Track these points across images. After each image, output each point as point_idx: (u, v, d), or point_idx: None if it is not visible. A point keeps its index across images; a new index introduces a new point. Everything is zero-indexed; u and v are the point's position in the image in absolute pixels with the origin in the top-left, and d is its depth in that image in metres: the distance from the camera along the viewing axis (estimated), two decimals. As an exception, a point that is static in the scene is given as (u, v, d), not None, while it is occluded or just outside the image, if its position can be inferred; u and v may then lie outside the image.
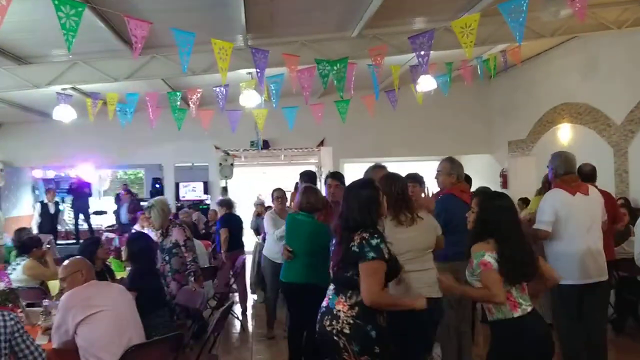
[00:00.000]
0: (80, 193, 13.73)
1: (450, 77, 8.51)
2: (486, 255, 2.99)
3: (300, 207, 4.90)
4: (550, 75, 10.64)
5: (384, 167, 4.43)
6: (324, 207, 4.90)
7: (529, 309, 3.03)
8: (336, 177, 5.11)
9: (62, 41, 4.19)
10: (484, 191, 3.51)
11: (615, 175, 8.58)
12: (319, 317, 3.11)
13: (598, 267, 4.36)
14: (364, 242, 2.94)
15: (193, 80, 9.38)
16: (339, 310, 2.99)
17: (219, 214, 8.68)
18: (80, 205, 13.69)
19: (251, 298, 8.66)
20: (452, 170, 4.73)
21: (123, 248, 4.68)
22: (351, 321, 2.95)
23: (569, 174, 4.53)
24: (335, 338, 2.96)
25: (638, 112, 8.18)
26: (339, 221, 3.15)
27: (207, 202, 14.61)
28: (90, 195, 13.90)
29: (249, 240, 10.42)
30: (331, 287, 3.14)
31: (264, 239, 8.51)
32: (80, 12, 4.17)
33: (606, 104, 8.98)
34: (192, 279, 5.24)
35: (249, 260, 8.58)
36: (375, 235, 2.97)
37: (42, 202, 12.53)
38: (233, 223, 8.04)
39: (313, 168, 13.36)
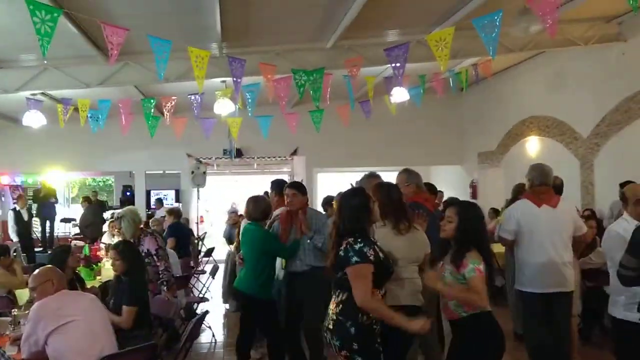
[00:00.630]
0: (46, 201, 13.43)
1: (423, 89, 8.65)
2: (481, 265, 3.18)
3: (247, 217, 5.16)
4: (519, 89, 10.89)
5: (377, 176, 4.54)
6: (266, 216, 5.10)
7: (489, 309, 3.29)
8: (294, 186, 5.19)
9: (32, 46, 4.19)
10: (461, 202, 3.60)
11: (581, 187, 8.81)
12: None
13: (559, 278, 4.47)
14: (348, 247, 3.10)
15: (166, 87, 9.32)
16: (330, 309, 3.20)
17: (167, 222, 8.67)
18: (47, 212, 13.39)
19: (223, 307, 8.59)
20: (408, 181, 4.81)
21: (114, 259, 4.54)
22: (334, 317, 3.14)
23: (542, 186, 4.65)
24: (325, 334, 3.20)
25: (603, 126, 8.43)
26: (333, 228, 3.30)
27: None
28: (56, 202, 13.58)
29: (221, 249, 10.37)
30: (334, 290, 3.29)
31: (236, 248, 8.51)
32: (55, 18, 4.13)
33: (573, 118, 9.23)
34: (165, 288, 5.19)
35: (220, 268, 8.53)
36: (359, 240, 3.11)
37: (14, 210, 12.15)
38: (181, 232, 8.36)
39: (286, 177, 13.38)
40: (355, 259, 3.05)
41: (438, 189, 13.21)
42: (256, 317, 5.03)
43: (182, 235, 8.23)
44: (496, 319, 3.28)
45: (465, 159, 13.43)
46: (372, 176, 4.54)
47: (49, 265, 3.83)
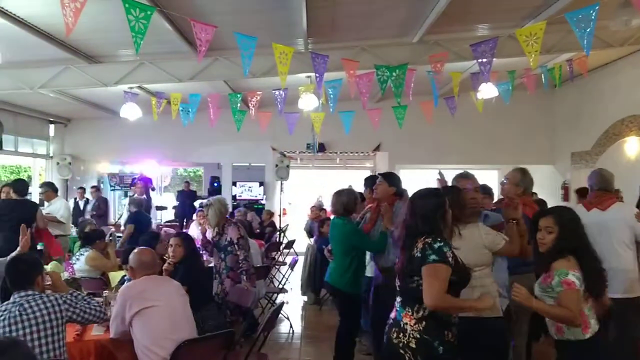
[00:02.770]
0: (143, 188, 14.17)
1: (512, 85, 8.32)
2: (570, 274, 2.92)
3: (332, 211, 5.21)
4: (619, 86, 10.22)
5: (470, 177, 4.16)
6: (352, 210, 5.04)
7: (597, 327, 3.00)
8: (382, 175, 5.05)
9: (130, 42, 4.38)
10: (557, 208, 3.33)
11: (686, 193, 8.15)
12: (386, 328, 3.08)
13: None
14: (426, 246, 2.91)
15: (253, 82, 9.57)
16: (406, 324, 2.94)
17: (129, 211, 9.00)
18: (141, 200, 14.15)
19: (301, 299, 8.73)
20: (521, 182, 4.57)
21: (177, 245, 4.84)
22: (418, 335, 2.89)
23: (600, 191, 4.54)
24: (401, 351, 2.91)
25: None
26: (403, 229, 3.13)
27: (263, 202, 14.83)
28: (153, 190, 14.30)
29: (302, 242, 10.53)
30: (398, 299, 3.09)
31: (315, 241, 8.61)
32: (149, 16, 4.33)
33: (679, 118, 8.55)
34: (244, 277, 5.34)
35: (300, 260, 8.68)
36: (439, 239, 2.93)
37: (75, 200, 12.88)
38: (141, 220, 8.71)
39: (368, 172, 13.34)
40: (433, 257, 2.85)
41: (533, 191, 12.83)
42: (342, 309, 5.12)
43: (143, 224, 8.69)
44: (602, 346, 3.01)
45: (557, 158, 12.80)
46: (464, 177, 4.30)
47: (146, 248, 4.02)
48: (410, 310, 2.95)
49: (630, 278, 4.32)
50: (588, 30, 4.88)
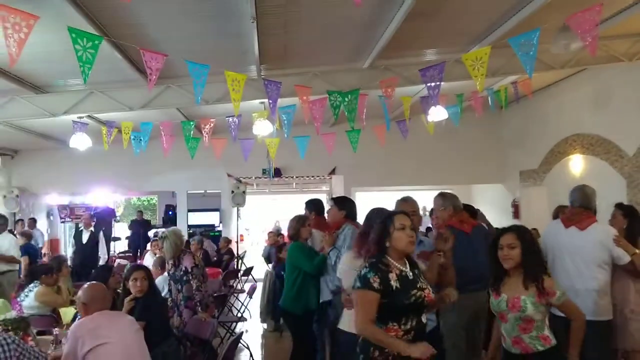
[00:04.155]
0: (105, 219, 13.76)
1: (461, 107, 8.56)
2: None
3: None
4: (562, 106, 10.66)
5: (410, 201, 4.29)
6: (293, 235, 5.20)
7: (554, 341, 3.23)
8: (332, 199, 5.28)
9: (78, 71, 4.30)
10: (515, 226, 3.42)
11: (628, 207, 8.50)
12: None
13: (581, 305, 3.72)
14: (360, 272, 3.01)
15: (207, 109, 9.53)
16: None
17: (19, 242, 8.91)
18: (105, 231, 13.69)
19: (261, 327, 8.62)
20: (444, 205, 4.71)
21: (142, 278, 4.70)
22: (357, 348, 3.05)
23: (580, 208, 4.49)
24: None
25: (651, 143, 8.15)
26: (358, 249, 3.30)
27: (219, 229, 14.66)
28: (117, 221, 13.93)
29: (260, 268, 10.44)
30: None
31: (274, 267, 8.56)
32: (96, 45, 4.28)
33: (618, 136, 8.96)
34: (199, 308, 5.25)
35: (259, 287, 8.59)
36: (368, 266, 2.99)
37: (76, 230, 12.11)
38: (31, 252, 9.51)
39: (325, 196, 13.41)
40: (357, 284, 2.97)
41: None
42: (290, 330, 5.24)
43: (32, 255, 9.47)
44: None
45: (506, 177, 13.18)
46: (404, 200, 4.35)
47: (97, 283, 3.90)
48: None
49: (601, 300, 4.28)
50: (530, 53, 5.08)
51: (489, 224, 6.82)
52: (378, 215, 3.59)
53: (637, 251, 4.33)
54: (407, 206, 3.98)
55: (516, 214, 12.38)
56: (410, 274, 3.05)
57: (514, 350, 3.20)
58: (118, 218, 13.86)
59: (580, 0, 5.42)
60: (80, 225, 10.86)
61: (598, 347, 4.10)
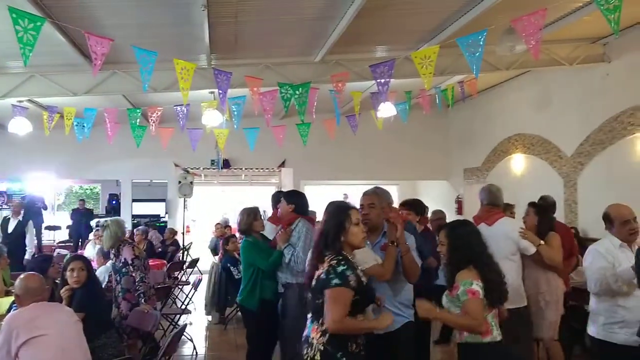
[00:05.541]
0: (32, 208, 13.22)
1: (409, 105, 8.71)
2: (474, 284, 3.11)
3: None
4: (505, 107, 11.00)
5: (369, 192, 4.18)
6: (245, 228, 5.11)
7: (499, 338, 3.22)
8: (283, 194, 5.30)
9: (18, 53, 4.14)
10: (449, 223, 3.56)
11: (565, 205, 8.88)
12: (298, 349, 3.12)
13: None
14: (330, 268, 2.91)
15: (154, 97, 9.33)
16: (313, 338, 2.95)
17: None
18: (35, 221, 13.16)
19: (205, 319, 8.54)
20: (378, 202, 4.75)
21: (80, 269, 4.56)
22: (321, 347, 2.89)
23: (487, 206, 4.80)
24: None
25: (587, 145, 8.53)
26: (316, 244, 3.14)
27: (165, 219, 14.39)
28: (44, 209, 13.38)
29: (206, 260, 10.33)
30: (309, 315, 3.09)
31: (220, 259, 8.48)
32: (38, 27, 4.12)
33: (558, 136, 9.33)
34: (142, 299, 5.16)
35: (205, 279, 8.49)
36: (342, 262, 2.92)
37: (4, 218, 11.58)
38: None
39: (273, 189, 13.38)
40: (335, 281, 2.86)
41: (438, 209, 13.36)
42: (245, 326, 5.19)
43: None
44: (502, 352, 3.23)
45: (451, 174, 13.51)
46: (365, 194, 4.38)
47: (34, 273, 3.77)
48: (316, 324, 2.96)
49: (514, 289, 4.40)
50: (477, 54, 5.22)
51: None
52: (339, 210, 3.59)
53: (542, 242, 4.64)
54: (365, 199, 3.94)
55: (459, 209, 12.72)
56: (359, 267, 3.10)
57: (457, 339, 3.33)
58: (46, 206, 13.22)
59: (525, 4, 5.62)
60: (7, 214, 10.38)
61: (514, 332, 4.22)
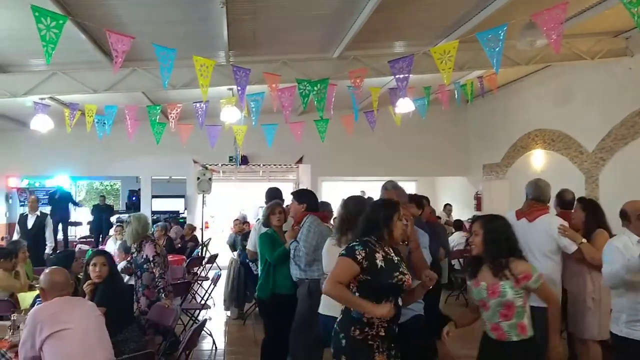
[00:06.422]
0: (61, 203, 13.39)
1: (428, 100, 8.65)
2: (537, 270, 3.23)
3: None
4: (525, 102, 10.88)
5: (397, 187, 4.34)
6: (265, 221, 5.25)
7: (532, 332, 3.28)
8: (292, 194, 5.34)
9: (41, 51, 4.20)
10: (485, 215, 3.54)
11: (586, 202, 8.76)
12: None
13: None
14: (349, 244, 3.17)
15: (174, 94, 9.39)
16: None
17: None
18: (61, 215, 13.34)
19: (224, 315, 8.60)
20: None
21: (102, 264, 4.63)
22: (335, 326, 3.19)
23: (532, 200, 4.71)
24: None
25: (609, 140, 8.40)
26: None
27: (184, 215, 14.51)
28: (76, 205, 13.54)
29: (225, 256, 10.39)
30: None
31: (239, 255, 8.53)
32: (61, 25, 4.17)
33: (578, 132, 9.21)
34: (163, 295, 5.22)
35: (223, 275, 8.55)
36: (357, 241, 3.14)
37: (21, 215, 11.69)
38: None
39: (291, 185, 13.42)
40: (342, 252, 3.10)
41: (447, 202, 13.31)
42: (260, 315, 5.40)
43: None
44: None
45: (470, 170, 13.41)
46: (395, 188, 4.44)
47: (60, 268, 3.82)
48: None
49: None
50: (497, 49, 5.17)
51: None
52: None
53: (583, 240, 4.51)
54: (386, 194, 4.02)
55: (478, 206, 12.63)
56: (396, 258, 3.19)
57: (491, 335, 3.28)
58: (77, 201, 13.42)
59: (546, -2, 5.54)
60: (25, 211, 10.43)
61: (544, 331, 4.25)
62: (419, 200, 5.60)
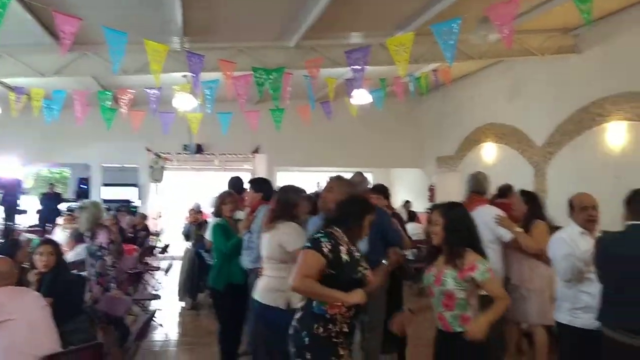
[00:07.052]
0: (10, 190, 12.84)
1: (384, 92, 8.72)
2: (488, 263, 3.12)
3: None
4: (477, 96, 11.10)
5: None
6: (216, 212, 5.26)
7: None
8: (249, 182, 5.41)
9: (-16, 32, 4.02)
10: (445, 202, 3.54)
11: (535, 194, 9.03)
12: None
13: None
14: (310, 238, 3.10)
15: (126, 79, 9.15)
16: (297, 315, 3.13)
17: None
18: (10, 202, 12.79)
19: (179, 305, 8.49)
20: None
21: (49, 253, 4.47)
22: (294, 324, 3.07)
23: (471, 193, 4.91)
24: (288, 339, 3.12)
25: (557, 135, 8.68)
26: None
27: (136, 205, 14.19)
28: (21, 192, 12.99)
29: (179, 246, 10.25)
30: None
31: (193, 245, 8.42)
32: (4, 4, 4.00)
33: (528, 126, 9.47)
34: (114, 284, 5.11)
35: (177, 265, 8.44)
36: (321, 232, 3.07)
37: None
38: None
39: (247, 175, 13.31)
40: (307, 244, 3.02)
41: (407, 199, 13.44)
42: (213, 306, 5.27)
43: None
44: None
45: (424, 162, 13.62)
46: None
47: (2, 257, 3.70)
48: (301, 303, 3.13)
49: None
50: (451, 42, 5.26)
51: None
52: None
53: (519, 230, 4.68)
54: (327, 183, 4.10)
55: (432, 197, 12.84)
56: (357, 253, 3.16)
57: (437, 324, 3.21)
58: (26, 190, 12.94)
59: (500, -8, 5.65)
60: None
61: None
62: (385, 191, 5.66)
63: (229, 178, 6.01)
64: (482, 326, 3.01)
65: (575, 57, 8.33)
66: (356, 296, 2.98)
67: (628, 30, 7.36)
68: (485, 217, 4.65)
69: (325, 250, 2.96)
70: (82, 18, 4.65)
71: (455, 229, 3.17)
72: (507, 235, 4.65)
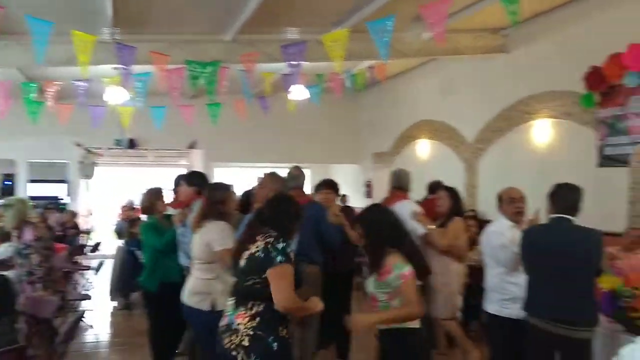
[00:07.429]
0: None
1: (322, 88, 8.75)
2: (405, 267, 2.97)
3: None
4: (412, 94, 11.34)
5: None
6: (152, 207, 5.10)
7: (418, 324, 3.08)
8: (182, 177, 5.30)
9: None
10: (362, 211, 3.48)
11: (466, 189, 9.33)
12: (218, 339, 2.95)
13: None
14: (269, 246, 2.87)
15: (54, 71, 8.75)
16: (239, 324, 2.86)
17: None
18: None
19: (110, 305, 8.23)
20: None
21: None
22: (251, 332, 2.82)
23: (393, 188, 5.11)
24: (233, 353, 2.81)
25: (487, 132, 8.98)
26: (251, 224, 3.18)
27: (65, 202, 13.63)
28: None
29: (110, 244, 9.95)
30: (228, 302, 3.00)
31: (126, 243, 8.18)
32: None
33: (460, 123, 9.76)
34: (39, 285, 4.88)
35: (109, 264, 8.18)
36: (281, 239, 2.91)
37: None
38: None
39: (183, 170, 13.02)
40: (280, 258, 2.82)
41: (344, 193, 13.53)
42: (145, 308, 5.14)
43: None
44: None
45: (361, 158, 13.79)
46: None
47: None
48: (243, 309, 2.88)
49: None
50: (385, 39, 5.35)
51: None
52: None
53: (432, 226, 4.89)
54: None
55: (369, 193, 13.03)
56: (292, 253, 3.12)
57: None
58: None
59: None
60: None
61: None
62: (335, 186, 5.69)
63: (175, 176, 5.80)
64: (364, 322, 3.05)
65: (504, 56, 8.63)
66: (319, 303, 3.03)
67: (552, 32, 7.70)
68: (403, 211, 4.76)
69: (292, 258, 2.91)
70: (3, 7, 4.40)
71: (373, 232, 3.13)
72: (419, 229, 4.84)
